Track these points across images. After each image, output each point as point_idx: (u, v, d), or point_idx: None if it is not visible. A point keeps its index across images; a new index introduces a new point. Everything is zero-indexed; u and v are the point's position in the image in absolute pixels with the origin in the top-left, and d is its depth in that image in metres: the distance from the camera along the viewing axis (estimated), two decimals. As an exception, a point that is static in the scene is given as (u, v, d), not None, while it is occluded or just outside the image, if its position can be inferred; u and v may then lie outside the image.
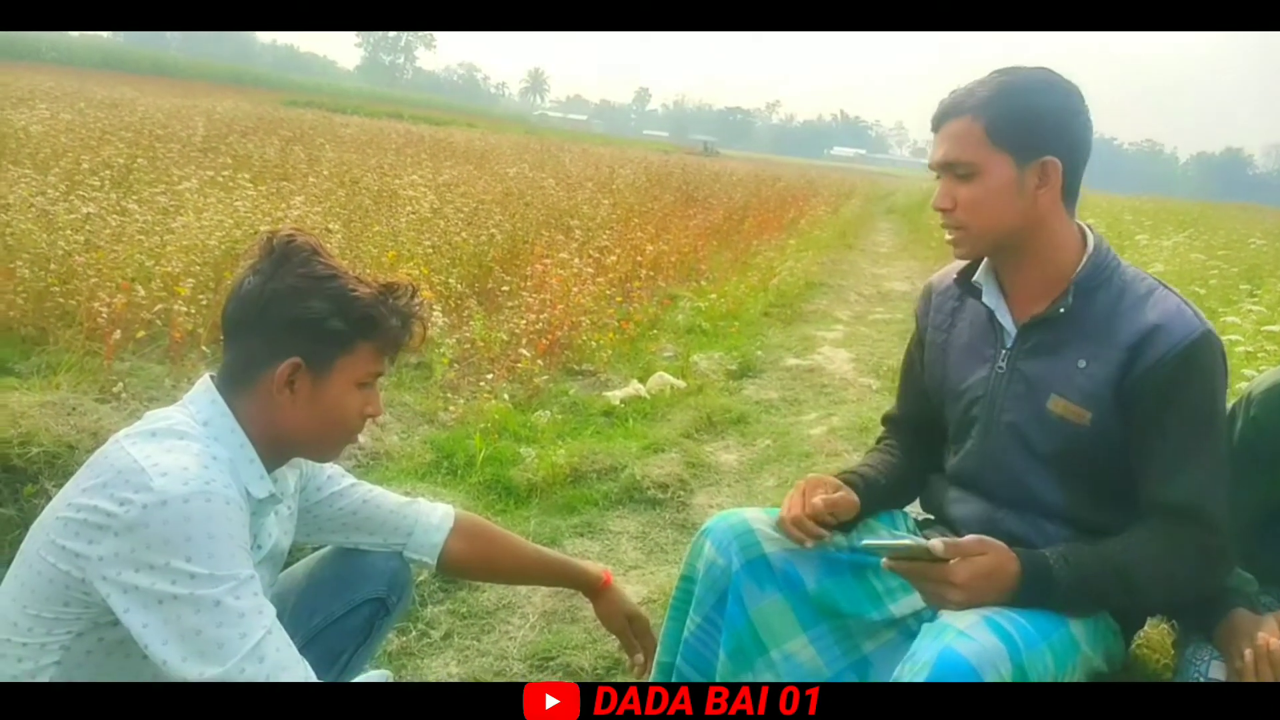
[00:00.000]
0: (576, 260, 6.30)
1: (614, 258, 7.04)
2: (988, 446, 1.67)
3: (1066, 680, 1.43)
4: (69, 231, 4.28)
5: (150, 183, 6.38)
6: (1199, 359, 1.49)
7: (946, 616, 1.42)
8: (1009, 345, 1.65)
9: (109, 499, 1.24)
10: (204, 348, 3.92)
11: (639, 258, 7.60)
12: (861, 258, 12.68)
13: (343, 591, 1.76)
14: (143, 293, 3.89)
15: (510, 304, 5.42)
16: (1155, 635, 2.18)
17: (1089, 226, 1.64)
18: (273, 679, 1.23)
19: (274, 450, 1.45)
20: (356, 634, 1.77)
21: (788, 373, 5.68)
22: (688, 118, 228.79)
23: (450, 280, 5.35)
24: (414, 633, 2.50)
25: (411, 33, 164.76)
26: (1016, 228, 1.57)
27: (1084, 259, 1.59)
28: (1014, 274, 1.65)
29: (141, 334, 3.82)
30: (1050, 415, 1.58)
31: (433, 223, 6.38)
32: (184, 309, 3.83)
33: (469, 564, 1.93)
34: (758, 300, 7.53)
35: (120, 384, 3.44)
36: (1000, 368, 1.66)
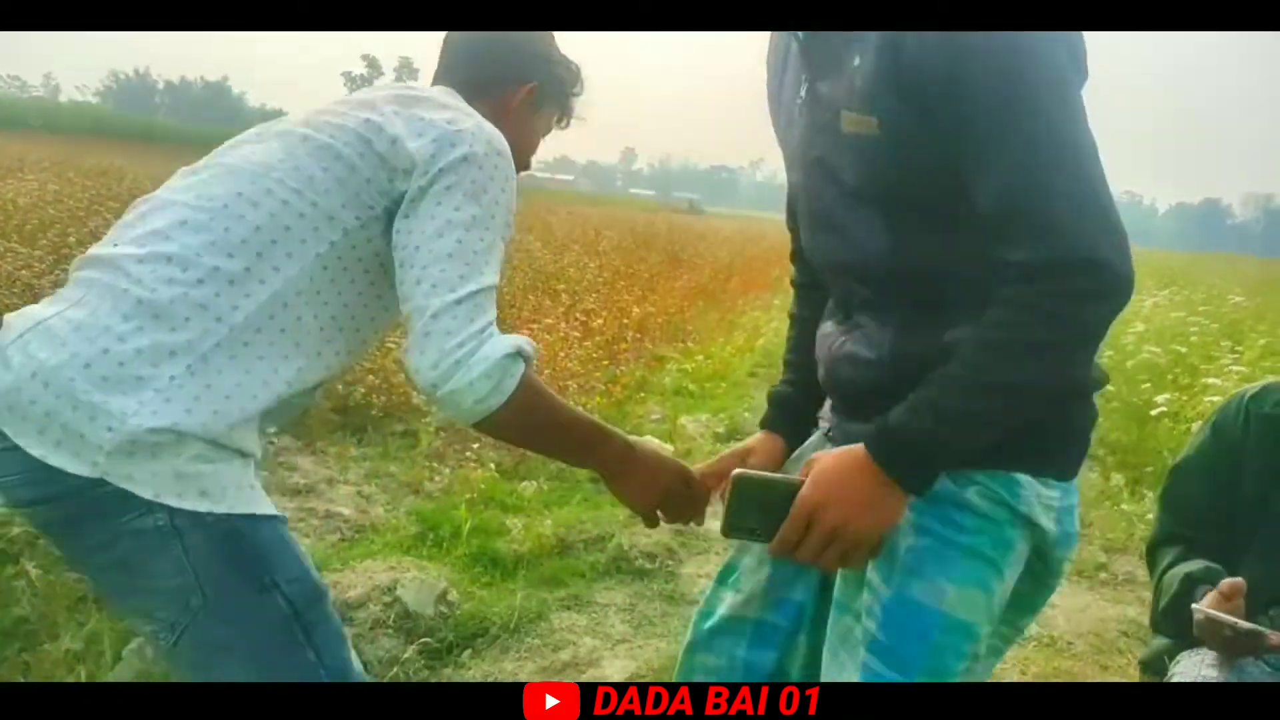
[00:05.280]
0: (563, 325, 6.33)
1: (601, 320, 7.08)
2: (809, 199, 1.36)
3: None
4: (54, 306, 4.28)
5: (137, 253, 6.39)
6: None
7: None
8: (808, 68, 1.30)
9: (437, 119, 1.35)
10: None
11: (626, 320, 7.64)
12: (847, 315, 12.74)
13: None
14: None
15: (497, 370, 5.41)
16: (1154, 662, 2.18)
17: None
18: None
19: None
20: None
21: (775, 435, 5.67)
22: (673, 176, 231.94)
23: (437, 347, 5.36)
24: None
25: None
26: None
27: None
28: None
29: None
30: (846, 137, 1.22)
31: (419, 289, 6.40)
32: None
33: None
34: (744, 360, 7.56)
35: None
36: (800, 96, 1.31)
